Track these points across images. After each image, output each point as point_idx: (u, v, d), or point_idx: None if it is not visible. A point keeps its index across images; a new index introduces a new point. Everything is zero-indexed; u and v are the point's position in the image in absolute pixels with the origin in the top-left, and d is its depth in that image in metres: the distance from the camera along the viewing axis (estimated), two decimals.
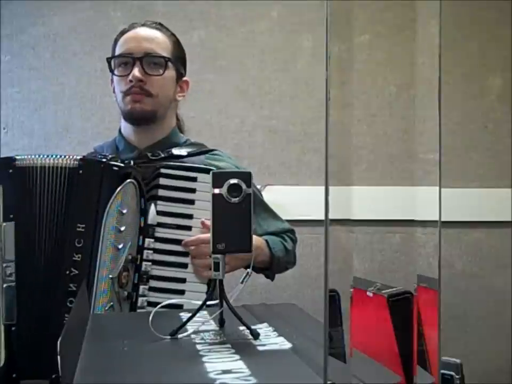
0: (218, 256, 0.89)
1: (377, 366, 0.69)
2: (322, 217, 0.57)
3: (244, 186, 0.89)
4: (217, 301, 0.92)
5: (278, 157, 2.37)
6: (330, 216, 0.57)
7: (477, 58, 2.44)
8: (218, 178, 0.89)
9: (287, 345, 0.83)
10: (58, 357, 0.64)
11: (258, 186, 1.68)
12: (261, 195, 1.59)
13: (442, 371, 0.74)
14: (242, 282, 0.93)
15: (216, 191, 0.89)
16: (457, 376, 0.78)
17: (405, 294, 0.69)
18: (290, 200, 2.29)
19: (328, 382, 0.58)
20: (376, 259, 2.39)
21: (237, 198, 0.89)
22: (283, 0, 2.37)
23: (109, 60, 1.49)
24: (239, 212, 0.89)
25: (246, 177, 0.90)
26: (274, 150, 2.37)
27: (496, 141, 2.45)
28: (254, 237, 1.43)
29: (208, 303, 0.91)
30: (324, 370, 0.57)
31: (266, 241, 1.47)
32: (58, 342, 0.66)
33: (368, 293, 0.72)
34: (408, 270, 2.27)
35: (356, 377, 0.66)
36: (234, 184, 0.89)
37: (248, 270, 0.95)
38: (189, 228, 1.32)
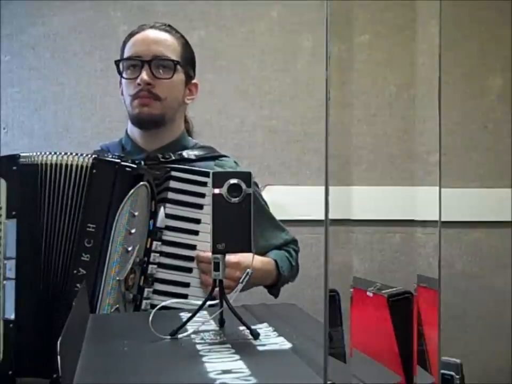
0: (218, 256, 0.89)
1: (377, 366, 0.69)
2: (322, 217, 0.57)
3: (244, 186, 0.89)
4: (217, 301, 0.92)
5: (278, 157, 2.37)
6: (330, 216, 0.57)
7: (477, 58, 2.44)
8: (218, 178, 0.89)
9: (287, 345, 0.83)
10: (58, 357, 0.64)
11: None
12: (266, 203, 1.57)
13: (442, 371, 0.74)
14: (242, 282, 0.93)
15: (216, 191, 0.89)
16: (457, 376, 0.78)
17: (405, 294, 0.69)
18: (290, 200, 2.29)
19: (328, 382, 0.58)
20: (376, 259, 2.39)
21: (237, 198, 0.89)
22: (283, 0, 2.37)
23: (117, 63, 1.47)
24: (239, 212, 0.89)
25: (246, 177, 0.90)
26: (274, 150, 2.37)
27: (496, 141, 2.45)
28: (265, 260, 1.44)
29: (208, 303, 0.91)
30: (324, 370, 0.57)
31: (276, 262, 1.47)
32: (58, 342, 0.66)
33: (368, 293, 0.72)
34: (408, 270, 2.27)
35: (355, 377, 0.66)
36: (234, 184, 0.89)
37: (248, 270, 0.95)
38: (196, 233, 1.31)
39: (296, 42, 2.39)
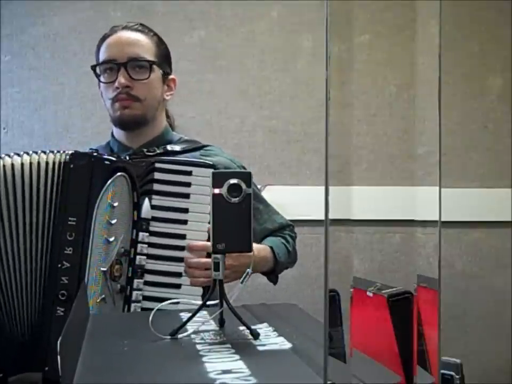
0: (218, 256, 0.89)
1: (377, 366, 0.69)
2: (322, 217, 0.57)
3: (243, 186, 0.89)
4: (217, 301, 0.92)
5: (278, 157, 2.37)
6: (330, 216, 0.57)
7: (477, 58, 2.44)
8: (218, 178, 0.89)
9: (287, 345, 0.83)
10: (58, 357, 0.64)
11: (259, 186, 1.67)
12: (258, 189, 1.58)
13: (442, 371, 0.74)
14: (242, 283, 0.93)
15: (216, 191, 0.89)
16: (457, 376, 0.78)
17: (405, 294, 0.69)
18: (290, 200, 2.28)
19: (328, 382, 0.58)
20: (376, 259, 2.39)
21: (237, 198, 0.89)
22: (283, 0, 2.37)
23: (93, 68, 1.48)
24: (239, 211, 0.89)
25: (246, 177, 0.90)
26: (274, 150, 2.37)
27: (496, 141, 2.45)
28: (260, 247, 1.44)
29: (208, 303, 0.91)
30: (324, 370, 0.57)
31: (272, 248, 1.47)
32: (58, 342, 0.66)
33: (368, 293, 0.72)
34: (408, 270, 2.27)
35: (356, 377, 0.66)
36: (234, 184, 0.89)
37: (248, 270, 0.95)
38: (185, 222, 1.32)
39: (296, 42, 2.38)
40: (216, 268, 0.89)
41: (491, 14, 2.45)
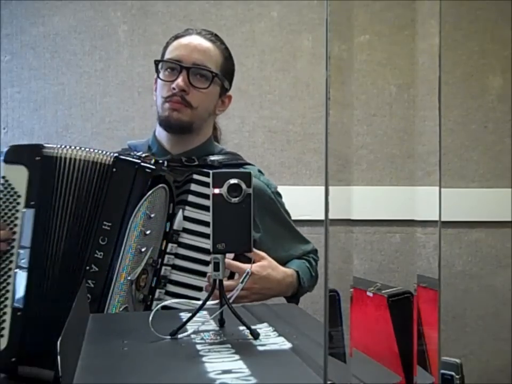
0: (218, 256, 0.89)
1: (377, 366, 0.69)
2: (322, 217, 0.57)
3: (243, 186, 0.89)
4: (217, 301, 0.92)
5: (278, 157, 2.37)
6: (330, 216, 0.57)
7: (477, 58, 2.44)
8: (218, 178, 0.89)
9: (287, 345, 0.83)
10: (58, 357, 0.64)
11: None
12: (288, 215, 1.57)
13: (442, 371, 0.74)
14: (242, 282, 0.93)
15: (216, 191, 0.89)
16: (457, 376, 0.78)
17: (405, 294, 0.69)
18: (290, 200, 2.28)
19: (328, 382, 0.58)
20: (376, 259, 2.39)
21: (237, 198, 0.89)
22: (283, 0, 2.37)
23: (157, 62, 1.47)
24: (239, 211, 0.89)
25: (246, 177, 0.90)
26: (274, 150, 2.37)
27: (496, 141, 2.45)
28: (288, 272, 1.42)
29: (208, 303, 0.91)
30: (324, 370, 0.57)
31: (297, 273, 1.46)
32: (58, 342, 0.66)
33: (368, 293, 0.72)
34: (408, 270, 2.27)
35: (355, 377, 0.66)
36: (234, 184, 0.89)
37: (248, 270, 0.95)
38: None
39: (296, 42, 2.38)
40: (216, 268, 0.89)
41: (491, 14, 2.45)
